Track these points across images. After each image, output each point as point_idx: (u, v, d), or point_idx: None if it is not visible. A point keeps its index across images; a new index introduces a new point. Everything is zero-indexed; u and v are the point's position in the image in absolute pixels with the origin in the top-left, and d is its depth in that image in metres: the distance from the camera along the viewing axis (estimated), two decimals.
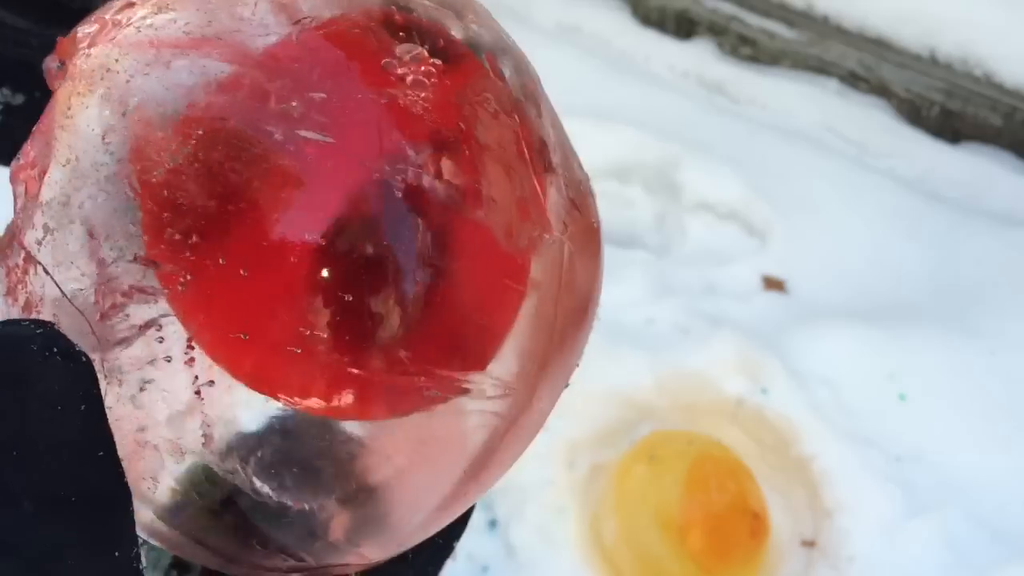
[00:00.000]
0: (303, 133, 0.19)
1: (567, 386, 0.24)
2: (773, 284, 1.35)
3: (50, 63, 0.21)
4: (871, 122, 1.67)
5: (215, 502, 0.20)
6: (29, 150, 0.20)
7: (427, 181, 0.20)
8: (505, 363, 0.21)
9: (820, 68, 1.74)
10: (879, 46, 1.69)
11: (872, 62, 1.69)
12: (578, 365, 0.25)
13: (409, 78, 0.20)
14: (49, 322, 0.18)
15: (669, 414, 1.16)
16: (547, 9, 1.85)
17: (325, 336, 0.19)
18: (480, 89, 0.22)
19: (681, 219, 1.45)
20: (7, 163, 0.24)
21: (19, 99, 0.25)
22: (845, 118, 1.67)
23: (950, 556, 1.05)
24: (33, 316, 0.19)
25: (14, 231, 0.20)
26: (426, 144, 0.20)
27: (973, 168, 1.60)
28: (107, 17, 0.21)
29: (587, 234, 0.24)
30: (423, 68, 0.20)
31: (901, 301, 1.34)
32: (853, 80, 1.72)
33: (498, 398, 0.21)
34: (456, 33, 0.22)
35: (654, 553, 1.03)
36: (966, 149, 1.64)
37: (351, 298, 0.19)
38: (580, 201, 0.24)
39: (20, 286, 0.20)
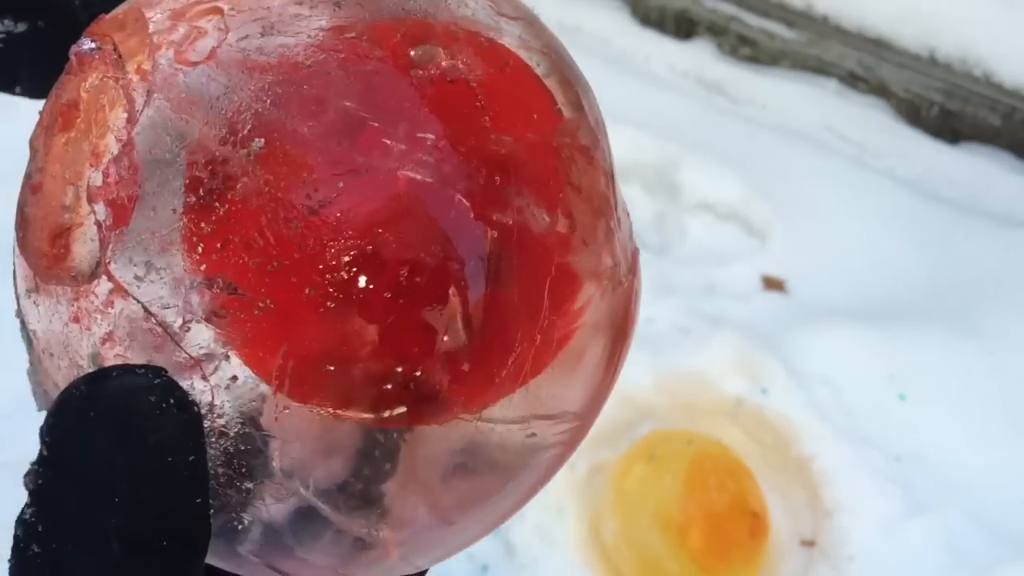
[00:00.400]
0: (406, 172, 0.19)
1: None
2: (773, 284, 1.35)
3: (81, 45, 0.20)
4: (870, 122, 1.67)
5: (279, 521, 0.20)
6: (111, 171, 0.19)
7: (521, 225, 0.20)
8: (577, 399, 0.22)
9: (819, 68, 1.74)
10: (878, 46, 1.69)
11: (871, 62, 1.70)
12: None
13: (445, 64, 0.20)
14: (163, 370, 0.18)
15: (669, 414, 1.16)
16: (547, 9, 1.83)
17: (415, 367, 0.19)
18: (573, 129, 0.22)
19: (681, 219, 1.45)
20: (7, 92, 0.23)
21: (21, 27, 0.24)
22: (844, 118, 1.67)
23: (949, 556, 1.05)
24: (118, 350, 0.19)
25: (99, 257, 0.19)
26: (524, 189, 0.20)
27: (972, 168, 1.60)
28: (186, 16, 0.20)
29: (635, 262, 0.24)
30: (454, 64, 0.20)
31: (900, 301, 1.34)
32: (852, 80, 1.72)
33: (568, 431, 0.22)
34: (538, 66, 0.22)
35: (654, 553, 1.03)
36: (965, 149, 1.64)
37: (445, 339, 0.19)
38: (630, 228, 0.24)
39: (99, 316, 0.19)
